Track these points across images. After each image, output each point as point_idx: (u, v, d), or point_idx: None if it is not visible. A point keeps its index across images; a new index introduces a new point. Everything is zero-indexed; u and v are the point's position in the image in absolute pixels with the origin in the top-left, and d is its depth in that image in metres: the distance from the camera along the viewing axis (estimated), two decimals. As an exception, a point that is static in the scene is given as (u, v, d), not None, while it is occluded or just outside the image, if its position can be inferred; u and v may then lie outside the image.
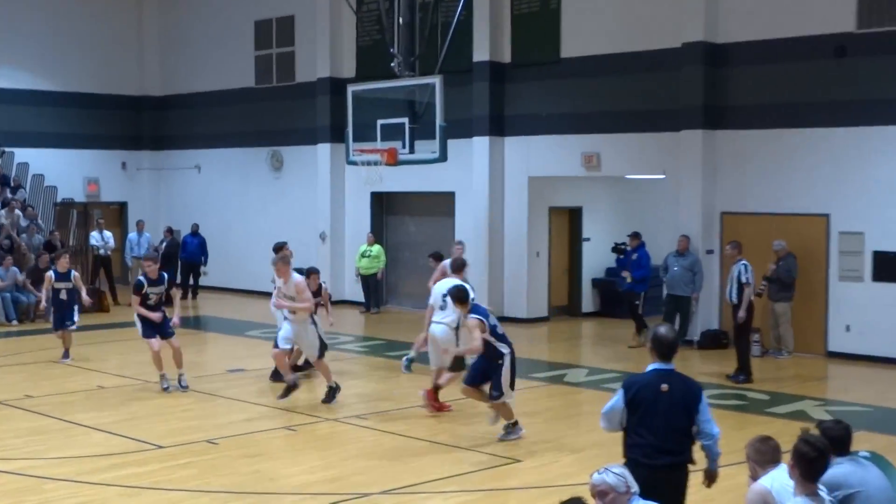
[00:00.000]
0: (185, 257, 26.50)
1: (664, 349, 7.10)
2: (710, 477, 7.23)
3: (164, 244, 26.26)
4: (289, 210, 26.98)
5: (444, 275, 14.95)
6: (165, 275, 14.77)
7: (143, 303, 14.48)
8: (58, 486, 9.95)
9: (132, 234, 26.95)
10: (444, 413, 13.23)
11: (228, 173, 28.72)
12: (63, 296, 17.04)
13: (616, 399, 7.13)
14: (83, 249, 25.78)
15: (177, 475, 10.30)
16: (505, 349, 11.63)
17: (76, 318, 17.09)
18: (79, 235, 26.93)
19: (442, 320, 13.51)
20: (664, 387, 7.02)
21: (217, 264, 27.28)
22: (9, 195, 26.29)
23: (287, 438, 11.97)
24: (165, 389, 14.41)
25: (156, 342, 14.42)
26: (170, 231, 26.93)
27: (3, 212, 25.01)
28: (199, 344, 19.82)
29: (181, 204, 29.87)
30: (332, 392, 13.72)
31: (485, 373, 11.77)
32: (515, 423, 11.97)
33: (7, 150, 27.94)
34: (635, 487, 5.78)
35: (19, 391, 14.58)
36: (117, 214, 30.36)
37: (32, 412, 13.30)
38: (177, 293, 15.57)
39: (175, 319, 14.82)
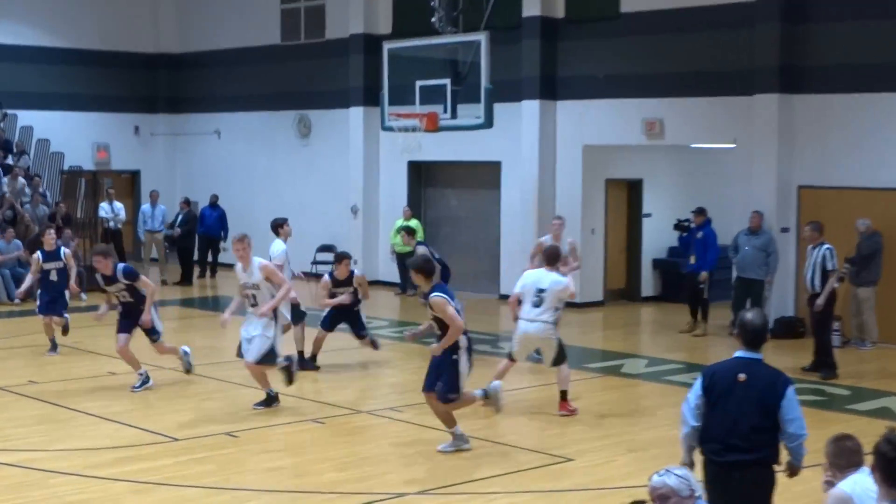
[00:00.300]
0: (203, 232, 26.67)
1: (749, 335, 7.14)
2: (792, 471, 7.24)
3: (181, 217, 26.41)
4: (317, 181, 27.06)
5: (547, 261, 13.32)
6: (121, 267, 13.78)
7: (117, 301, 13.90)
8: (64, 481, 10.07)
9: (145, 206, 27.13)
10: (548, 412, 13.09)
11: (251, 140, 28.83)
12: (53, 277, 16.19)
13: (694, 386, 7.21)
14: (92, 222, 26.00)
15: (192, 471, 10.39)
16: (462, 340, 11.04)
17: (83, 297, 17.12)
18: (87, 207, 27.13)
19: (538, 318, 12.70)
20: (741, 377, 7.04)
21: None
22: (11, 161, 26.55)
23: (314, 432, 12.04)
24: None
25: (123, 337, 13.84)
26: (186, 203, 27.07)
27: (5, 179, 25.26)
28: (218, 327, 19.93)
29: (199, 173, 30.03)
30: (271, 399, 12.90)
31: (438, 369, 11.13)
32: (462, 435, 11.25)
33: (9, 112, 28.18)
34: (699, 491, 5.77)
35: (22, 376, 14.77)
36: (129, 184, 30.59)
37: (36, 399, 13.46)
38: (148, 286, 14.02)
39: (145, 316, 13.79)
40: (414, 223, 24.06)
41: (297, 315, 15.23)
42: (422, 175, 25.59)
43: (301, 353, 15.26)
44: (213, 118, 29.84)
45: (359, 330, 15.67)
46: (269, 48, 28.15)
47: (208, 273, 26.89)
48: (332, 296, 15.37)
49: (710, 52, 20.23)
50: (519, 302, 12.99)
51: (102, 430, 11.99)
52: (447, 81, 19.33)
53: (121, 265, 13.95)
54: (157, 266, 26.33)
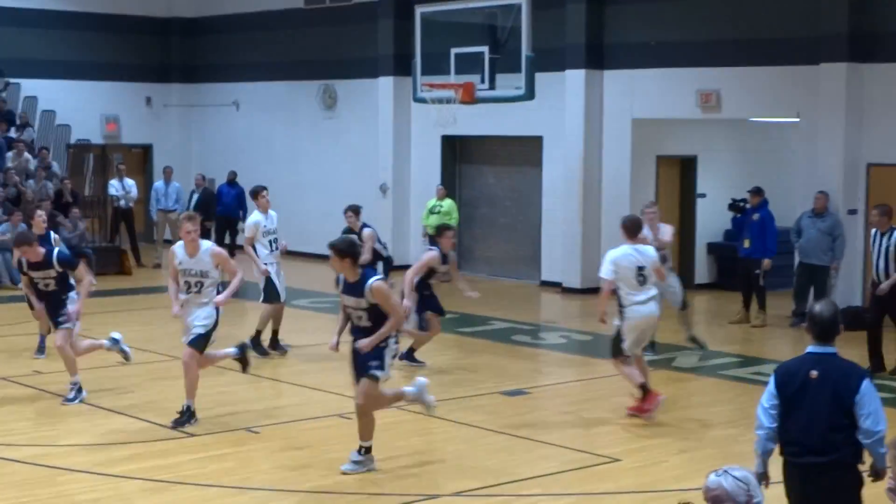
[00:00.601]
0: (220, 211, 26.80)
1: (818, 328, 7.19)
2: (876, 474, 7.24)
3: (196, 196, 26.55)
4: (343, 156, 27.14)
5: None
6: (57, 253, 13.18)
7: (34, 287, 13.41)
8: (73, 478, 10.20)
9: (158, 183, 27.30)
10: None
11: (272, 112, 28.95)
12: None
13: (768, 386, 7.29)
14: (101, 201, 26.21)
15: (210, 468, 10.50)
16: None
17: (93, 282, 16.97)
18: (96, 184, 27.39)
19: (649, 296, 12.47)
20: (813, 373, 7.10)
21: (258, 220, 27.50)
22: (14, 134, 26.76)
23: (341, 428, 12.10)
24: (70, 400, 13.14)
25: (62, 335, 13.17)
26: (202, 180, 27.23)
27: (9, 154, 25.47)
28: (237, 314, 20.05)
29: (216, 148, 30.19)
30: (188, 414, 12.07)
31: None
32: (369, 450, 10.58)
33: (12, 81, 28.40)
34: (759, 497, 5.76)
35: (26, 366, 14.93)
36: (141, 159, 30.79)
37: (42, 391, 13.61)
38: (84, 277, 13.29)
39: (70, 308, 13.13)
40: (448, 203, 24.10)
41: (272, 294, 15.83)
42: (456, 151, 25.63)
43: (275, 332, 15.89)
44: (230, 88, 29.96)
45: None
46: (291, 12, 28.22)
47: (230, 254, 27.03)
48: None
49: (771, 17, 20.15)
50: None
51: (113, 425, 12.11)
52: (485, 49, 19.34)
53: (57, 250, 13.37)
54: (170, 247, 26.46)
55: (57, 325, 13.20)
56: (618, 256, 12.49)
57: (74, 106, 28.78)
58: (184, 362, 12.10)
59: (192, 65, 30.89)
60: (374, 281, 10.25)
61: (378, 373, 10.40)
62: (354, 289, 10.30)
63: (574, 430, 12.26)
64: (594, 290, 22.18)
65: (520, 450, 11.49)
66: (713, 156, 23.77)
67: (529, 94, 19.21)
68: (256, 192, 16.29)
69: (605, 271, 12.45)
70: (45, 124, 28.30)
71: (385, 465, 10.74)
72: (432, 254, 15.15)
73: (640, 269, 12.42)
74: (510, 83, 19.34)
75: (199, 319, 12.06)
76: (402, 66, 24.47)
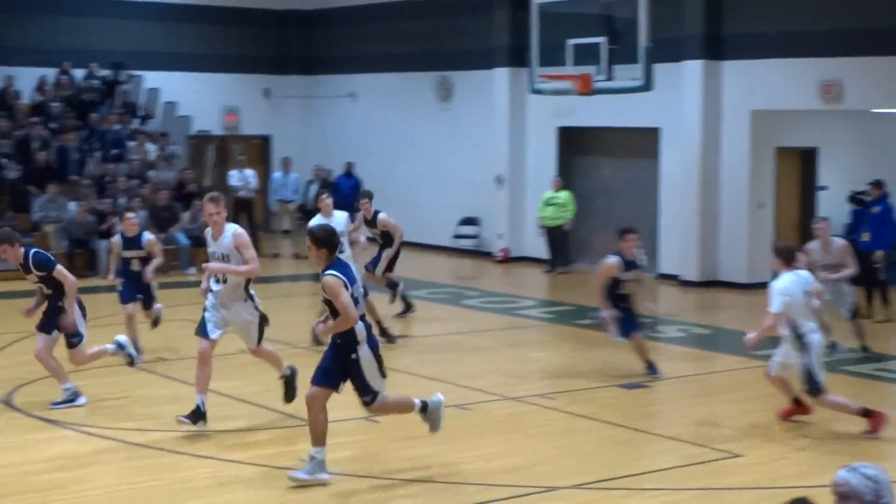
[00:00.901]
0: (337, 201, 26.97)
1: None
2: None
3: (314, 186, 26.82)
4: (459, 148, 27.23)
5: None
6: (32, 255, 12.27)
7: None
8: (197, 464, 10.40)
9: (277, 174, 27.67)
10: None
11: (388, 103, 29.15)
12: (135, 267, 15.21)
13: None
14: (221, 191, 26.54)
15: (330, 456, 10.58)
16: (359, 330, 9.67)
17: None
18: (216, 174, 27.78)
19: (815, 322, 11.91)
20: None
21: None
22: (136, 126, 27.27)
23: (459, 419, 12.15)
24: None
25: (41, 339, 12.54)
26: (320, 171, 27.52)
27: (131, 145, 25.97)
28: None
29: (333, 139, 30.48)
30: (290, 380, 11.98)
31: (339, 369, 9.80)
32: (323, 462, 9.86)
33: (134, 73, 28.94)
34: (888, 498, 5.65)
35: (152, 353, 15.22)
36: (259, 150, 31.20)
37: (167, 377, 13.93)
38: (67, 279, 12.34)
39: (67, 319, 12.36)
40: (564, 195, 24.07)
41: None
42: (573, 142, 25.56)
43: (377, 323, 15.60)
44: (347, 80, 30.23)
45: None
46: (407, 4, 28.38)
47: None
48: None
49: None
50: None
51: (236, 412, 12.30)
52: (602, 40, 19.29)
53: (32, 252, 12.35)
54: (289, 238, 26.83)
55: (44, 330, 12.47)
56: (786, 287, 11.56)
57: (195, 97, 29.27)
58: (258, 356, 12.05)
59: (310, 56, 31.22)
60: (325, 274, 9.49)
61: (366, 398, 9.86)
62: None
63: (693, 425, 12.17)
64: (712, 284, 22.09)
65: (638, 443, 11.47)
66: (834, 148, 23.45)
67: (647, 85, 19.13)
68: (317, 196, 16.59)
69: (776, 304, 11.47)
70: (166, 116, 28.81)
71: (502, 457, 10.79)
72: (611, 261, 14.14)
73: (807, 293, 11.76)
74: (627, 74, 19.27)
75: (246, 315, 11.68)
76: (517, 58, 24.47)
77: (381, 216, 17.19)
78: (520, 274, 24.32)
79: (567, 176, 25.16)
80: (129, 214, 15.51)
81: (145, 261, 15.17)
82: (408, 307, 18.20)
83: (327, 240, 9.66)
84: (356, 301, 9.55)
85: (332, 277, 9.45)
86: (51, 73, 27.56)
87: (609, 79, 19.32)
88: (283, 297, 20.41)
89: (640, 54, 18.89)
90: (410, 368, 14.60)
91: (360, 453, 10.86)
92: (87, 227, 22.84)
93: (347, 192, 27.02)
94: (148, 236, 15.40)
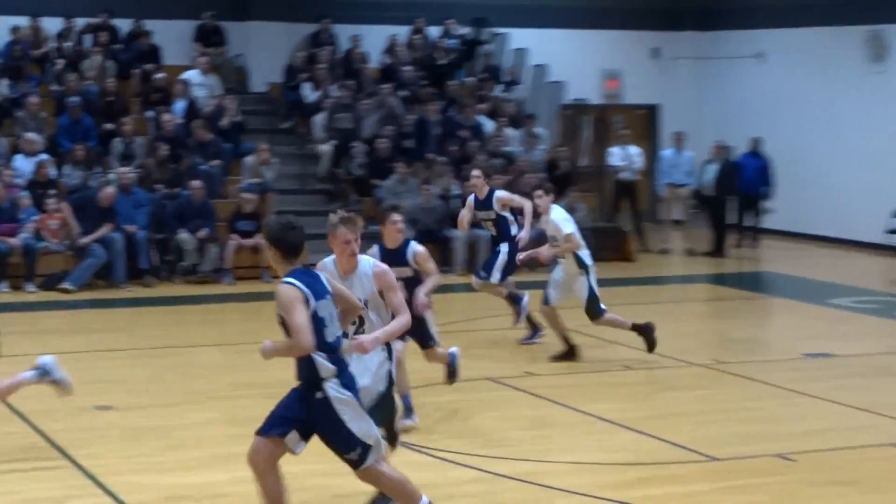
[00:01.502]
0: (741, 186, 26.62)
1: None
2: None
3: (713, 168, 26.39)
4: (895, 120, 26.41)
5: None
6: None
7: None
8: (571, 501, 10.39)
9: (667, 151, 27.51)
10: None
11: (805, 65, 28.64)
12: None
13: None
14: (599, 172, 26.66)
15: (733, 500, 10.39)
16: (323, 367, 8.39)
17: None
18: (593, 152, 27.84)
19: None
20: None
21: (788, 198, 27.29)
22: (498, 93, 27.55)
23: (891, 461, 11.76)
24: None
25: None
26: (721, 149, 27.16)
27: (490, 125, 26.13)
28: (762, 313, 19.97)
29: (735, 110, 30.15)
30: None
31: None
32: None
33: (498, 31, 29.35)
34: None
35: (517, 366, 15.37)
36: (645, 122, 31.19)
37: (533, 395, 14.01)
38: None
39: None
40: None
41: None
42: None
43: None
44: (754, 36, 29.86)
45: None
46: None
47: (750, 240, 26.84)
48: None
49: None
50: None
51: (616, 441, 12.27)
52: None
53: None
54: (680, 231, 26.61)
55: None
56: None
57: (569, 60, 29.31)
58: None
59: (708, 8, 30.95)
60: (280, 283, 8.37)
61: (352, 454, 8.48)
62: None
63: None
64: None
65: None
66: None
67: None
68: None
69: None
70: (535, 82, 28.93)
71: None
72: None
73: None
74: None
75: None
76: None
77: (500, 193, 16.24)
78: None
79: None
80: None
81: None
82: (535, 331, 16.62)
83: (282, 237, 8.47)
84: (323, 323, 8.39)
85: (287, 286, 8.29)
86: (402, 31, 28.29)
87: None
88: (672, 303, 20.28)
89: None
90: (828, 395, 14.18)
91: (770, 499, 10.58)
92: (437, 215, 23.25)
93: (753, 174, 26.62)
94: (416, 250, 12.27)
